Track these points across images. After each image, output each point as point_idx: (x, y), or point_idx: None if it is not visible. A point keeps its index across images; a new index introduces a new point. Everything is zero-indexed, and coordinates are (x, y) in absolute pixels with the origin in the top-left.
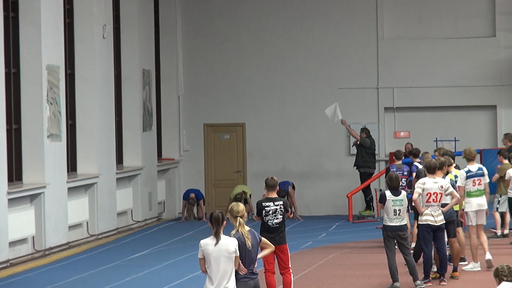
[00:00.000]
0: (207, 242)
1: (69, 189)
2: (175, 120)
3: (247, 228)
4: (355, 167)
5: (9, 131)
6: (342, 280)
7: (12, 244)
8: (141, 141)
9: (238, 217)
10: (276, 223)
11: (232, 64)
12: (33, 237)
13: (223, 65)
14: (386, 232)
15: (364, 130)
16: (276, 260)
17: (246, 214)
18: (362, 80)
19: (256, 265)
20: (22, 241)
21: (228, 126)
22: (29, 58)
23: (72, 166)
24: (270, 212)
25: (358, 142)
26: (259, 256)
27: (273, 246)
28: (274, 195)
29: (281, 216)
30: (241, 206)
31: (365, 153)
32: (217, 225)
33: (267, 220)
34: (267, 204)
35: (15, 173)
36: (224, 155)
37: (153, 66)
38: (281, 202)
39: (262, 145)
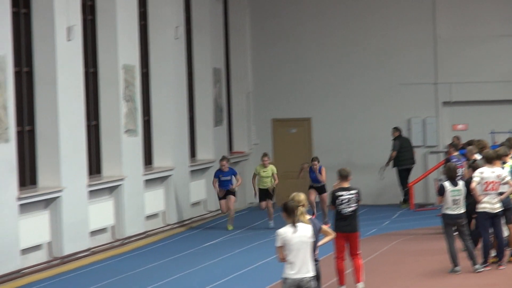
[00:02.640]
0: (286, 231)
1: (146, 181)
2: (245, 115)
3: (307, 216)
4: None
5: (89, 127)
6: (405, 265)
7: (93, 233)
8: (213, 136)
9: (299, 206)
10: (350, 211)
11: (297, 61)
12: (113, 226)
13: (289, 62)
14: (445, 220)
15: (397, 129)
16: (346, 247)
17: (306, 203)
18: (421, 76)
19: (317, 252)
20: (102, 230)
21: (295, 120)
22: (107, 58)
23: (148, 159)
24: (344, 201)
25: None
26: (319, 243)
27: (334, 234)
28: (347, 184)
29: (355, 205)
30: (302, 195)
31: (399, 152)
32: (293, 214)
33: (341, 209)
34: (341, 193)
35: (95, 167)
36: (291, 148)
37: (224, 65)
38: (356, 191)
39: (327, 138)
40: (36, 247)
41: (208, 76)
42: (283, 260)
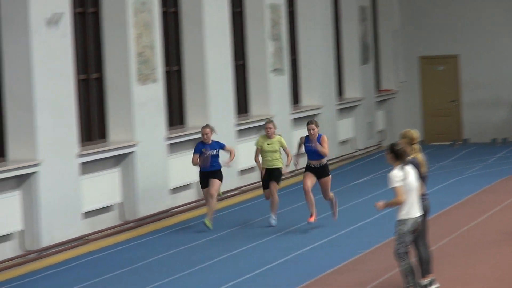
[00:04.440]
0: (399, 173)
1: (294, 119)
2: (392, 53)
3: (421, 154)
4: None
5: (236, 67)
6: None
7: (242, 172)
8: (359, 74)
9: (414, 144)
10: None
11: None
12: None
13: None
14: None
15: None
16: None
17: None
18: None
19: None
20: (250, 170)
21: (442, 58)
22: None
23: (295, 98)
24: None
25: None
26: None
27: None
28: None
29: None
30: (416, 133)
31: None
32: (402, 158)
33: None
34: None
35: (243, 106)
36: (439, 86)
37: (370, 3)
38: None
39: (475, 75)
40: (185, 187)
41: (355, 15)
42: (402, 201)
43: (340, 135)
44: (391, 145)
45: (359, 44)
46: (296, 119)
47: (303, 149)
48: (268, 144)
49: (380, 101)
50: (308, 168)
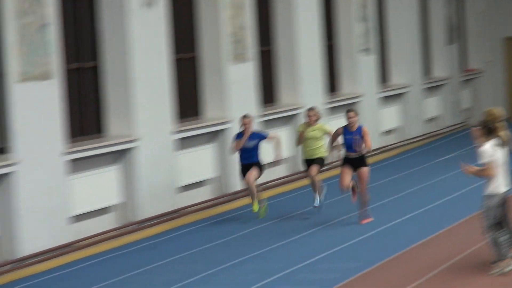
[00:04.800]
0: (489, 149)
1: (383, 98)
2: (478, 33)
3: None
4: None
5: (326, 47)
6: None
7: None
8: (446, 54)
9: (499, 122)
10: None
11: None
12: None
13: None
14: None
15: None
16: None
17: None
18: None
19: None
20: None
21: None
22: None
23: (384, 78)
24: None
25: None
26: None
27: None
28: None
29: None
30: (502, 111)
31: None
32: (493, 134)
33: None
34: None
35: (332, 85)
36: None
37: None
38: None
39: None
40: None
41: None
42: (492, 175)
43: (426, 113)
44: (481, 122)
45: (446, 24)
46: (385, 98)
47: (339, 141)
48: (310, 132)
49: (466, 80)
50: (346, 160)
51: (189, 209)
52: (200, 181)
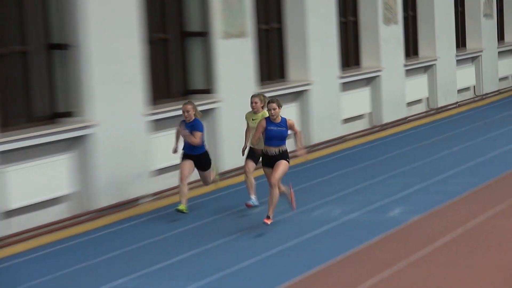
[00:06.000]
0: None
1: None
2: None
3: None
4: None
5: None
6: None
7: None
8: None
9: None
10: None
11: None
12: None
13: None
14: None
15: None
16: None
17: None
18: None
19: None
20: (417, 101)
21: None
22: None
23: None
24: None
25: None
26: None
27: None
28: None
29: None
30: None
31: None
32: None
33: None
34: None
35: (461, 42)
36: None
37: None
38: None
39: None
40: (417, 101)
41: None
42: None
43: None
44: None
45: None
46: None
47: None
48: (253, 120)
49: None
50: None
51: (350, 136)
52: (358, 115)
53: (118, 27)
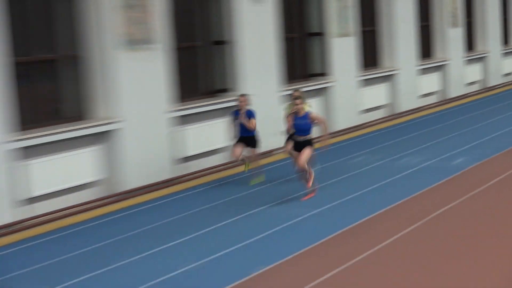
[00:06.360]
0: None
1: (504, 54)
2: None
3: None
4: None
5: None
6: None
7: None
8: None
9: None
10: None
11: None
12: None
13: None
14: None
15: None
16: None
17: None
18: None
19: None
20: (430, 94)
21: None
22: None
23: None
24: None
25: None
26: None
27: None
28: None
29: None
30: None
31: None
32: None
33: None
34: None
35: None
36: None
37: None
38: None
39: None
40: (431, 93)
41: None
42: None
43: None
44: None
45: None
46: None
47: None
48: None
49: None
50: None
51: (368, 123)
52: (376, 106)
53: (263, 27)
